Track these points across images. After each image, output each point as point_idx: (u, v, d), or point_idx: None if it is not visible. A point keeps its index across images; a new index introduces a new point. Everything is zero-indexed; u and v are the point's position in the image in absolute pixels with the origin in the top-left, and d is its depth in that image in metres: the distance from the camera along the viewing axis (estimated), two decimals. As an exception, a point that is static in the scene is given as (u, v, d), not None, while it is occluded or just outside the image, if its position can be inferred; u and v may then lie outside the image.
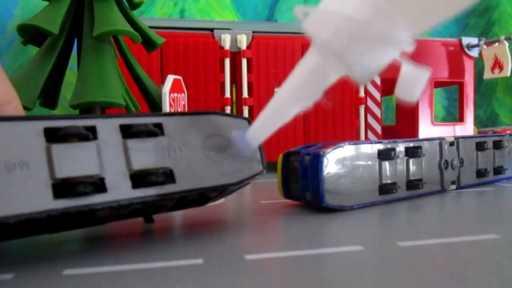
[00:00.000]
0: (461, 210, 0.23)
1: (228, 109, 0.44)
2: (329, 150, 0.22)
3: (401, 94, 0.15)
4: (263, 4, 0.64)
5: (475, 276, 0.13)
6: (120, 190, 0.15)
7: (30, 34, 0.30)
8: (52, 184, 0.13)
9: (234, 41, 0.45)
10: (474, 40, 0.55)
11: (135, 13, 0.33)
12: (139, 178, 0.15)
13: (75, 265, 0.14)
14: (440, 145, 0.27)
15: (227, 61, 0.44)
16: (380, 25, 0.14)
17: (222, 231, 0.19)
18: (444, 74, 0.54)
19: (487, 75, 0.55)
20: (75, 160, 0.14)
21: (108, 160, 0.15)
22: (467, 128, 0.56)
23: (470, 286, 0.12)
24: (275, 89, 0.45)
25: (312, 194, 0.22)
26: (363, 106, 0.48)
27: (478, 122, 0.72)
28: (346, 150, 0.22)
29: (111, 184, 0.14)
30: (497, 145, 0.31)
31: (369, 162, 0.23)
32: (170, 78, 0.32)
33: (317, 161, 0.21)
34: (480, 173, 0.30)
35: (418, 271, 0.13)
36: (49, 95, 0.32)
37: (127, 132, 0.15)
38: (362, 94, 0.48)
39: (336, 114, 0.47)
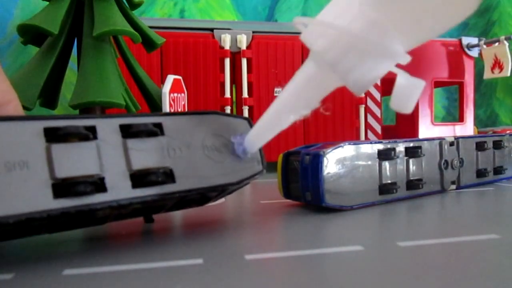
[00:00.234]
0: (461, 210, 0.23)
1: (228, 109, 0.44)
2: (329, 150, 0.22)
3: (396, 105, 0.15)
4: (263, 4, 0.64)
5: (475, 276, 0.13)
6: (120, 189, 0.15)
7: (30, 34, 0.30)
8: (52, 183, 0.13)
9: (234, 41, 0.45)
10: (474, 40, 0.55)
11: (135, 13, 0.33)
12: (139, 178, 0.15)
13: (75, 265, 0.14)
14: (440, 145, 0.27)
15: (227, 61, 0.44)
16: (374, 38, 0.14)
17: (222, 231, 0.19)
18: (444, 74, 0.54)
19: (487, 75, 0.55)
20: (75, 160, 0.14)
21: (108, 160, 0.15)
22: (467, 128, 0.56)
23: (470, 286, 0.12)
24: (275, 89, 0.45)
25: (312, 194, 0.22)
26: (363, 106, 0.48)
27: (478, 122, 0.72)
28: (346, 150, 0.22)
29: (111, 183, 0.14)
30: (497, 145, 0.31)
31: (369, 162, 0.23)
32: (170, 78, 0.32)
33: (317, 161, 0.21)
34: (480, 173, 0.30)
35: (418, 271, 0.13)
36: (49, 95, 0.32)
37: (127, 132, 0.15)
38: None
39: (336, 114, 0.47)
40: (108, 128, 0.15)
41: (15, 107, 0.18)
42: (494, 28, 0.73)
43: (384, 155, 0.24)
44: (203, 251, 0.16)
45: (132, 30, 0.30)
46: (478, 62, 0.58)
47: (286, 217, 0.22)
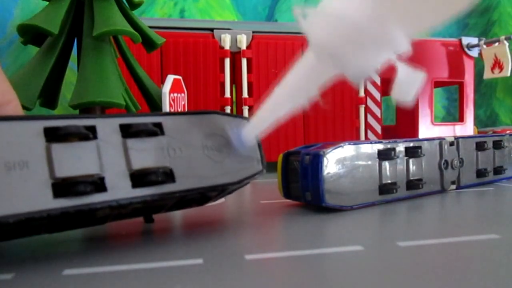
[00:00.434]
0: (461, 210, 0.23)
1: (228, 109, 0.44)
2: (329, 150, 0.22)
3: (397, 95, 0.15)
4: (263, 4, 0.64)
5: (475, 276, 0.13)
6: (120, 189, 0.15)
7: (30, 34, 0.30)
8: (52, 183, 0.13)
9: (234, 41, 0.45)
10: (474, 40, 0.55)
11: (135, 13, 0.33)
12: (139, 178, 0.15)
13: (75, 265, 0.14)
14: (440, 145, 0.27)
15: (227, 61, 0.44)
16: (373, 26, 0.14)
17: (222, 231, 0.19)
18: (444, 74, 0.54)
19: (487, 75, 0.55)
20: (75, 160, 0.14)
21: (108, 159, 0.15)
22: (467, 128, 0.56)
23: (470, 286, 0.12)
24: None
25: (312, 194, 0.22)
26: (363, 106, 0.48)
27: (478, 122, 0.72)
28: (346, 150, 0.22)
29: (111, 183, 0.14)
30: (497, 145, 0.31)
31: (369, 162, 0.23)
32: (170, 78, 0.32)
33: (317, 161, 0.21)
34: (480, 173, 0.30)
35: (418, 271, 0.13)
36: (49, 95, 0.32)
37: (127, 131, 0.15)
38: (362, 94, 0.48)
39: (336, 114, 0.47)
40: (108, 128, 0.15)
41: (14, 107, 0.18)
42: (494, 28, 0.73)
43: (384, 155, 0.24)
44: (203, 251, 0.16)
45: (132, 30, 0.30)
46: (478, 62, 0.58)
47: (286, 217, 0.22)
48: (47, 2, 0.30)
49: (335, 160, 0.22)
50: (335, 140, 0.46)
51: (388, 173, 0.24)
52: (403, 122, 0.56)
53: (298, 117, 0.46)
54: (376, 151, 0.24)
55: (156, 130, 0.16)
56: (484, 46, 0.54)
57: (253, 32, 0.45)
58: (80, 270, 0.14)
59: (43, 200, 0.13)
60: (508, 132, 0.36)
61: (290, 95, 0.17)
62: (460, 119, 0.56)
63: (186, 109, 0.35)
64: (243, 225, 0.20)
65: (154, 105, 0.33)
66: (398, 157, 0.24)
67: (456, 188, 0.29)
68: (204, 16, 0.61)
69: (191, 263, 0.14)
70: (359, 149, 0.23)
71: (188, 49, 0.43)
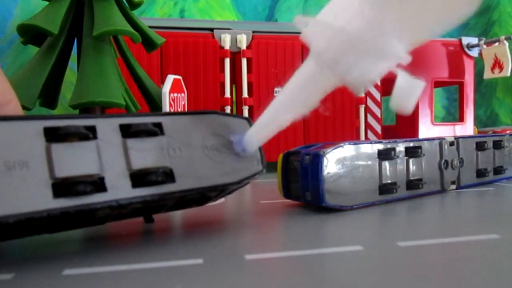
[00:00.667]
0: (461, 210, 0.23)
1: (228, 109, 0.44)
2: (329, 150, 0.22)
3: (397, 104, 0.15)
4: (263, 4, 0.64)
5: (475, 276, 0.13)
6: (120, 189, 0.15)
7: (30, 34, 0.30)
8: (52, 183, 0.13)
9: (234, 41, 0.45)
10: (474, 40, 0.55)
11: (135, 13, 0.33)
12: (138, 178, 0.15)
13: (75, 265, 0.14)
14: (440, 145, 0.27)
15: (227, 61, 0.44)
16: (372, 38, 0.14)
17: (222, 231, 0.19)
18: (444, 74, 0.54)
19: (487, 75, 0.55)
20: (75, 160, 0.14)
21: (108, 159, 0.15)
22: (467, 128, 0.56)
23: (470, 286, 0.12)
24: (275, 89, 0.45)
25: (312, 194, 0.22)
26: (363, 106, 0.48)
27: (478, 122, 0.72)
28: (346, 150, 0.22)
29: (111, 183, 0.14)
30: (497, 145, 0.31)
31: (369, 162, 0.23)
32: (170, 78, 0.32)
33: (317, 161, 0.21)
34: (480, 173, 0.30)
35: (418, 271, 0.13)
36: (49, 95, 0.32)
37: (127, 131, 0.15)
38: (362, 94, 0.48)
39: (336, 114, 0.47)
40: (108, 128, 0.15)
41: (14, 107, 0.18)
42: (494, 28, 0.73)
43: (384, 155, 0.24)
44: (203, 251, 0.15)
45: (132, 30, 0.30)
46: (478, 62, 0.58)
47: (286, 217, 0.22)
48: (47, 2, 0.30)
49: (335, 160, 0.22)
50: (335, 140, 0.46)
51: (388, 173, 0.24)
52: (403, 122, 0.56)
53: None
54: (376, 151, 0.24)
55: (156, 130, 0.16)
56: (484, 46, 0.54)
57: (253, 32, 0.45)
58: (80, 270, 0.14)
59: (43, 200, 0.13)
60: (508, 132, 0.36)
61: (291, 104, 0.17)
62: (460, 119, 0.56)
63: (186, 109, 0.35)
64: (243, 225, 0.20)
65: (154, 105, 0.33)
66: (398, 157, 0.24)
67: (456, 188, 0.29)
68: (204, 16, 0.61)
69: (191, 263, 0.14)
70: (359, 149, 0.23)
71: (188, 49, 0.43)
